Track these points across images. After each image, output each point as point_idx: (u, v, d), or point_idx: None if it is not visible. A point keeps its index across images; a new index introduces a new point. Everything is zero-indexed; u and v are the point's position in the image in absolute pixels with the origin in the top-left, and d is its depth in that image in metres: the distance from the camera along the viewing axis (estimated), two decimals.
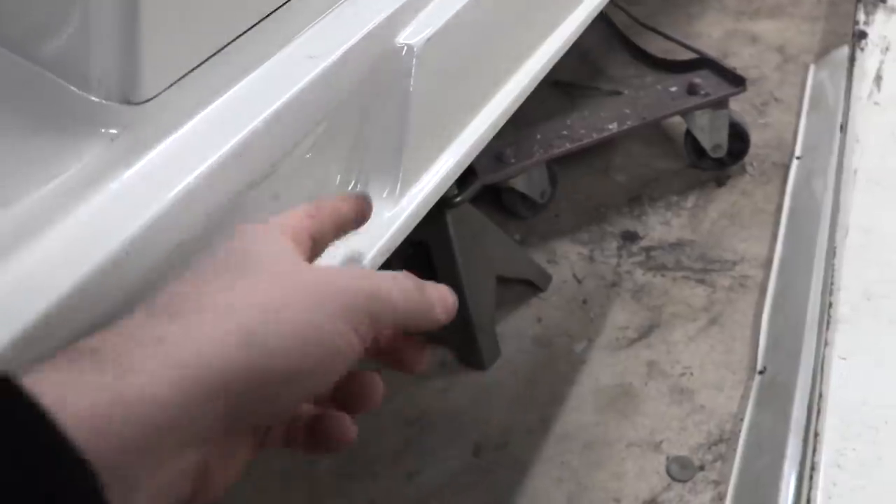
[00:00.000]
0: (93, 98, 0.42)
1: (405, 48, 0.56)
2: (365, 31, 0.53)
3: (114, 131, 0.42)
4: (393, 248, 0.54)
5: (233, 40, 0.47)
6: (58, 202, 0.38)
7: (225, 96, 0.46)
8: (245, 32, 0.48)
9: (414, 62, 0.55)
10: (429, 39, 0.57)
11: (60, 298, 0.36)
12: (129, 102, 0.42)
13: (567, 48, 0.77)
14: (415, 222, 0.57)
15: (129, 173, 0.41)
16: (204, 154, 0.43)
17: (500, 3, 0.66)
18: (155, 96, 0.43)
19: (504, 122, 0.67)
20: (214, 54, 0.46)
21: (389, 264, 0.53)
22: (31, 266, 0.36)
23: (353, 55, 0.52)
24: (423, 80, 0.56)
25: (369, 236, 0.52)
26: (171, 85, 0.44)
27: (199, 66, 0.45)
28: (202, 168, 0.43)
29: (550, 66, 0.75)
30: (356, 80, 0.53)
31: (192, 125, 0.44)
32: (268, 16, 0.50)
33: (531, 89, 0.71)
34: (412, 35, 0.57)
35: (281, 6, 0.51)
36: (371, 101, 0.55)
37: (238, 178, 0.45)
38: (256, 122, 0.45)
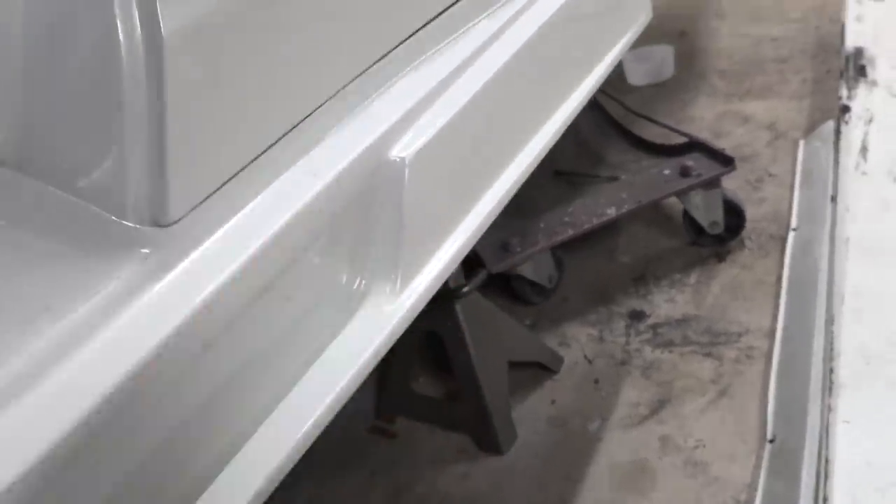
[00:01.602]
0: (128, 223, 0.49)
1: (397, 160, 0.63)
2: (361, 148, 0.61)
3: (146, 251, 0.49)
4: (395, 340, 0.60)
5: (244, 167, 0.55)
6: (102, 313, 0.45)
7: (239, 215, 0.54)
8: (254, 160, 0.55)
9: (406, 173, 0.63)
10: (419, 151, 0.64)
11: (105, 397, 0.42)
12: (158, 225, 0.50)
13: (550, 147, 0.84)
14: (414, 315, 0.63)
15: (160, 286, 0.48)
16: (223, 266, 0.50)
17: (485, 114, 0.74)
18: (180, 219, 0.50)
19: (494, 218, 0.74)
20: (229, 180, 0.54)
21: (393, 353, 0.59)
22: (82, 367, 0.42)
23: (350, 171, 0.59)
24: (415, 187, 0.63)
25: (373, 329, 0.58)
26: (194, 208, 0.51)
27: (216, 191, 0.53)
28: (222, 278, 0.50)
29: (536, 163, 0.82)
30: (355, 192, 0.61)
31: (213, 241, 0.52)
32: (275, 143, 0.57)
33: (518, 187, 0.78)
34: (404, 148, 0.64)
35: (287, 133, 0.59)
36: (369, 209, 0.62)
37: (253, 284, 0.52)
38: (267, 236, 0.53)
